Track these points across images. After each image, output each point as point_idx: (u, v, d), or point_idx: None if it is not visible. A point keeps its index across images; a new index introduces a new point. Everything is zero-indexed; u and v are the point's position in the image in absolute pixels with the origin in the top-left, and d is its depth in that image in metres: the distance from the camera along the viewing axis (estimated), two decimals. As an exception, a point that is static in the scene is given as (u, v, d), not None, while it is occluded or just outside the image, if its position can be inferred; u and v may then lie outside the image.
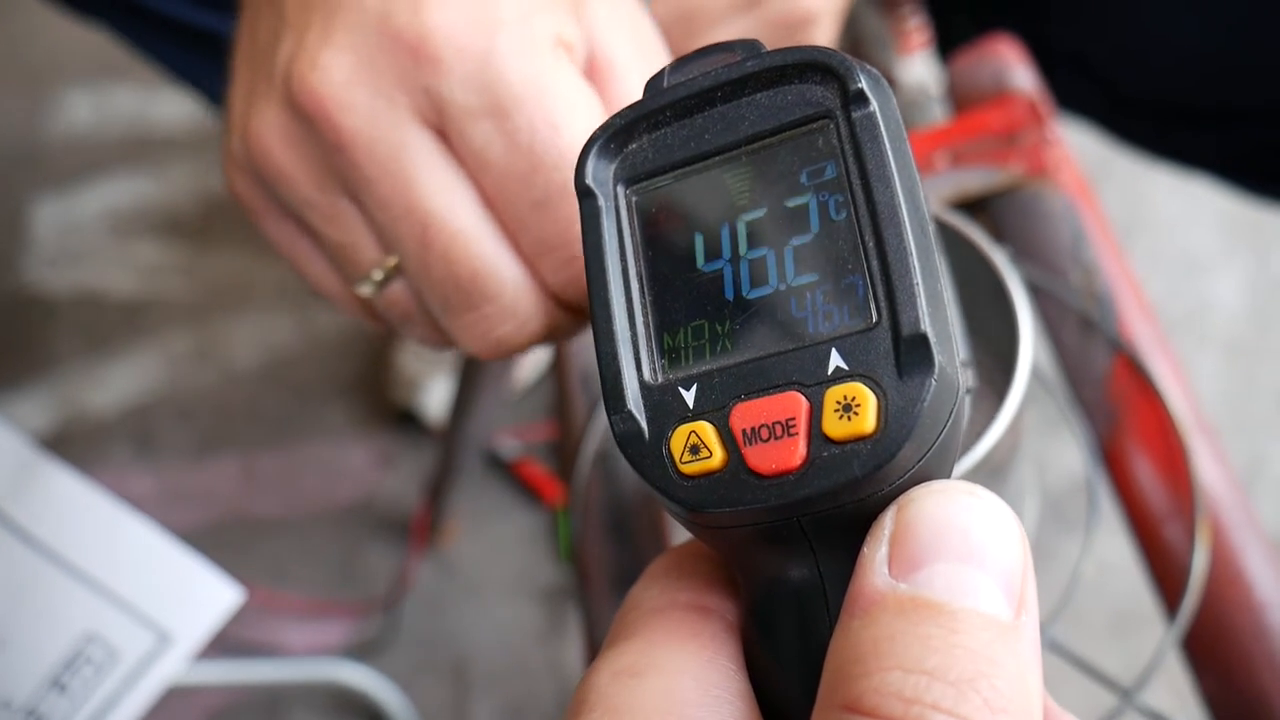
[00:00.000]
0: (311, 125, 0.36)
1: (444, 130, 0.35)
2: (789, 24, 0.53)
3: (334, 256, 0.39)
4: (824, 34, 0.55)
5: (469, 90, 0.34)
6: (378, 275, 0.38)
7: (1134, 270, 0.54)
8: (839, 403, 0.23)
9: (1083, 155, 0.65)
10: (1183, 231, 1.35)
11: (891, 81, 1.43)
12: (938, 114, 1.35)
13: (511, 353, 0.38)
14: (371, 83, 0.35)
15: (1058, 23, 0.74)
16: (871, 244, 0.24)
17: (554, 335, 0.38)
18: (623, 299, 0.26)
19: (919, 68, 1.38)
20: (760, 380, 0.24)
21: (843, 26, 0.58)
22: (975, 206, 0.56)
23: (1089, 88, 0.76)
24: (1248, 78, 0.67)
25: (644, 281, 0.26)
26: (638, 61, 0.38)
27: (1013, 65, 0.60)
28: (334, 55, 0.35)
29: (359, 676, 1.04)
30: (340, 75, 0.35)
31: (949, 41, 0.85)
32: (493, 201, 0.36)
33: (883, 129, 0.24)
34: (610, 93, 0.37)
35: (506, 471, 1.22)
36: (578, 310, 0.38)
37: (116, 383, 1.32)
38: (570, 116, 0.35)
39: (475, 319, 0.37)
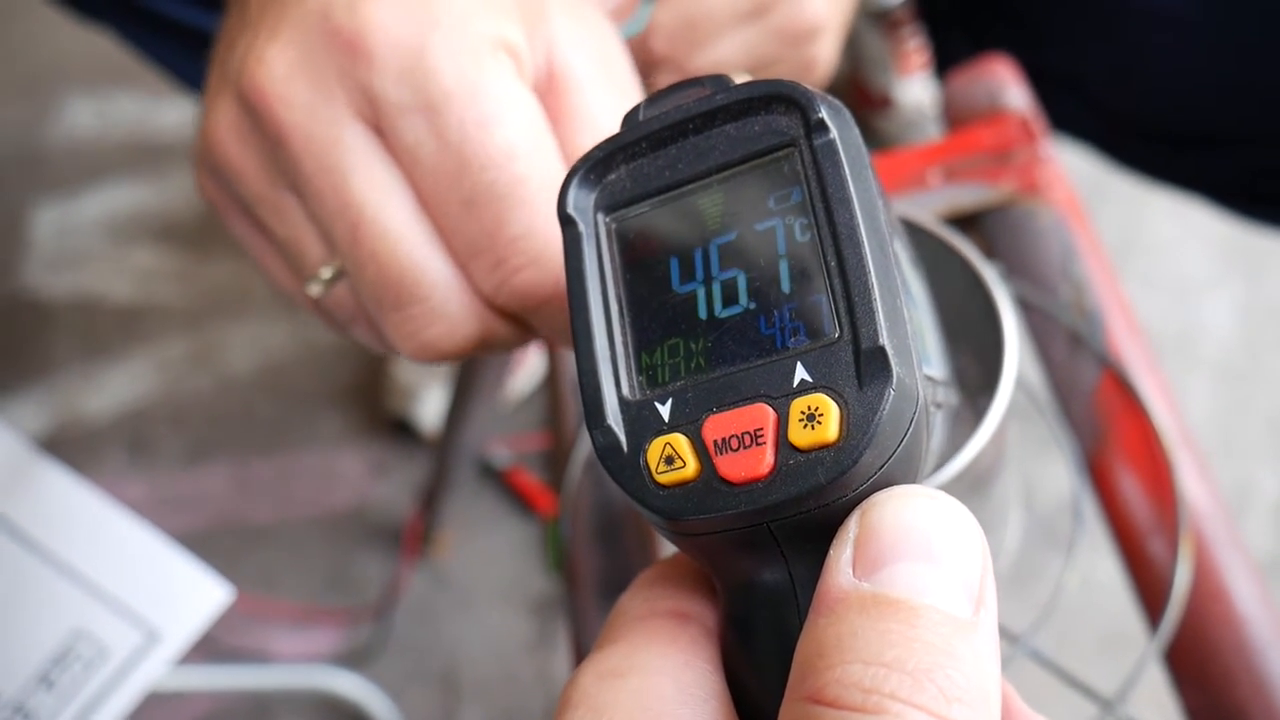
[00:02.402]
0: (256, 118, 0.37)
1: (380, 127, 0.36)
2: (794, 34, 0.53)
3: (285, 254, 0.40)
4: (828, 45, 0.55)
5: (401, 86, 0.35)
6: (326, 274, 0.38)
7: (1127, 291, 0.55)
8: (803, 413, 0.24)
9: (1080, 177, 0.66)
10: (1177, 255, 1.36)
11: (890, 101, 1.44)
12: (935, 133, 1.36)
13: (443, 357, 0.38)
14: (311, 78, 0.36)
15: (1054, 45, 0.75)
16: (833, 263, 0.25)
17: (490, 343, 0.38)
18: (603, 320, 0.27)
19: (918, 88, 1.39)
20: (731, 394, 0.25)
21: (845, 42, 0.58)
22: (967, 222, 0.57)
23: (1084, 110, 0.76)
24: (1242, 100, 0.68)
25: (623, 303, 0.28)
26: (598, 79, 0.38)
27: (1007, 84, 0.60)
28: (278, 50, 0.36)
29: (348, 684, 1.04)
30: (282, 69, 0.36)
31: (947, 62, 0.85)
32: (426, 201, 0.36)
33: (842, 155, 0.25)
34: (566, 106, 0.38)
35: (499, 481, 1.22)
36: (514, 319, 0.38)
37: (112, 387, 1.32)
38: (502, 118, 0.35)
39: (404, 319, 0.37)
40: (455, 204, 0.35)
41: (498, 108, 0.35)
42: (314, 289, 0.39)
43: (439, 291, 0.36)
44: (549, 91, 0.38)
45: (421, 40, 0.35)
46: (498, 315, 0.38)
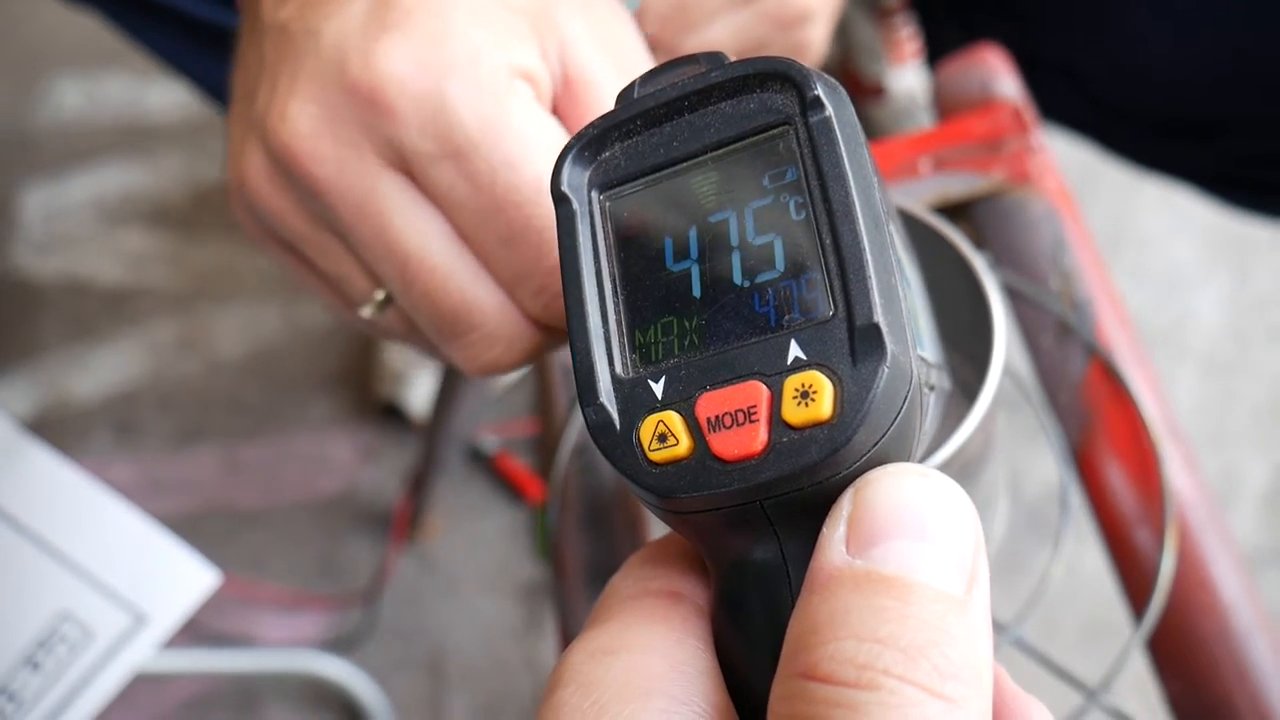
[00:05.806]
0: (289, 173, 0.37)
1: (412, 173, 0.36)
2: (785, 19, 0.53)
3: (332, 285, 0.41)
4: (819, 30, 0.55)
5: (426, 137, 0.35)
6: (379, 296, 0.39)
7: (1117, 283, 0.55)
8: (797, 390, 0.24)
9: (1071, 168, 0.66)
10: (1166, 246, 1.36)
11: (882, 90, 1.44)
12: (926, 122, 1.36)
13: (505, 372, 0.39)
14: (336, 133, 0.36)
15: (1047, 33, 0.75)
16: (829, 241, 0.25)
17: (542, 353, 0.40)
18: (596, 298, 0.27)
19: (910, 77, 1.39)
20: (725, 371, 0.25)
21: (835, 29, 0.58)
22: (957, 211, 0.57)
23: (1076, 97, 0.76)
24: (1234, 87, 0.68)
25: (617, 282, 0.28)
26: (615, 77, 0.38)
27: (999, 73, 0.60)
28: (300, 106, 0.36)
29: (335, 669, 1.04)
30: (306, 126, 0.36)
31: (939, 51, 0.85)
32: (466, 237, 0.37)
33: (838, 133, 0.25)
34: (584, 107, 0.38)
35: (488, 467, 1.22)
36: (559, 330, 0.39)
37: (100, 370, 1.31)
38: (529, 153, 0.35)
39: (463, 345, 0.38)
40: (495, 239, 0.36)
41: (523, 145, 0.35)
42: (366, 312, 0.40)
43: (493, 318, 0.37)
44: (567, 95, 0.38)
45: (439, 88, 0.35)
46: (547, 329, 0.39)
